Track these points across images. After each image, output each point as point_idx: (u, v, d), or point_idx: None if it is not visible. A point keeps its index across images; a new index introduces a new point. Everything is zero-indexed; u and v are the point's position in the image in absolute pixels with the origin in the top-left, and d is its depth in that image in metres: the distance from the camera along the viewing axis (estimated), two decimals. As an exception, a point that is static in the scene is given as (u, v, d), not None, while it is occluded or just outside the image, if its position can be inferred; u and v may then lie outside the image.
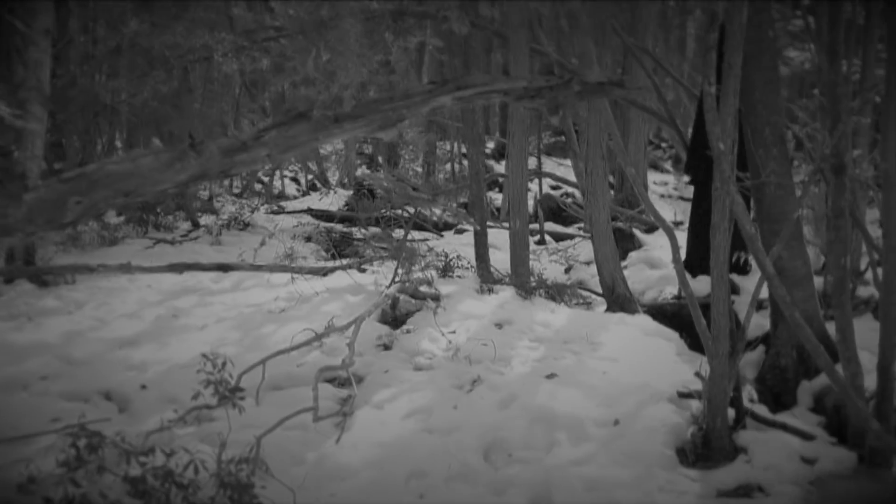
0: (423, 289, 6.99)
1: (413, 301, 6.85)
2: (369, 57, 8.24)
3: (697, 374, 5.29)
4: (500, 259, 9.17)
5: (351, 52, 7.69)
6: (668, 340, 6.74)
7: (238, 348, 6.20)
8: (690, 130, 8.90)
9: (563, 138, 23.91)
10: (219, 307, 7.27)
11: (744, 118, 6.73)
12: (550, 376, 5.77)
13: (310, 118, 4.13)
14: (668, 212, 17.18)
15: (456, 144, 19.33)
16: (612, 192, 16.31)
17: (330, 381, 5.68)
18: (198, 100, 14.40)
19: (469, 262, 8.31)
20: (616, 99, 9.40)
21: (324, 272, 7.78)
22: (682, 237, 10.13)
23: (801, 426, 5.43)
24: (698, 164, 8.42)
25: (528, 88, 4.72)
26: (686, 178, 8.46)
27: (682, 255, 9.35)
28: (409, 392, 5.55)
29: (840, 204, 5.23)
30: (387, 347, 6.29)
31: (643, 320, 7.04)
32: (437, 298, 6.92)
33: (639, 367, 6.00)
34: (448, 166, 19.93)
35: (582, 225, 14.62)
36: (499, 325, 6.64)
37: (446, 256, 7.78)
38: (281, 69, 10.34)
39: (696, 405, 5.37)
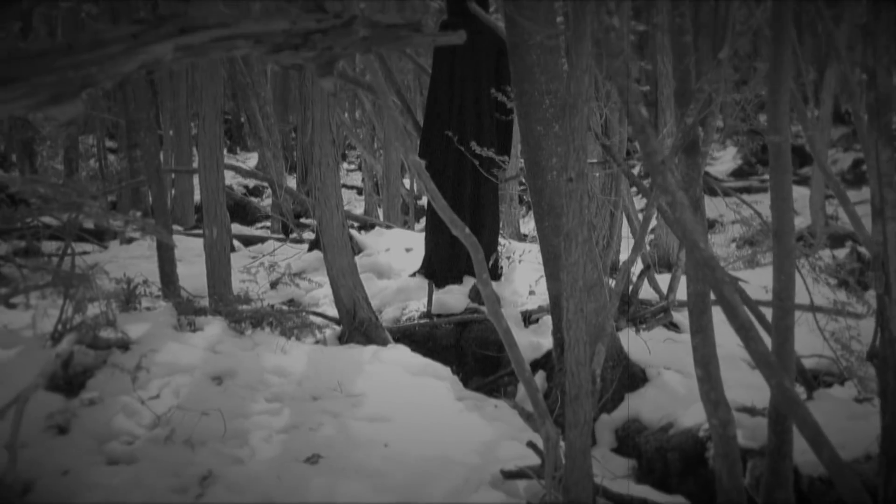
0: (106, 333, 5.00)
1: (92, 353, 4.84)
2: None
3: (531, 445, 3.79)
4: (187, 275, 7.27)
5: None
6: (439, 379, 5.19)
7: None
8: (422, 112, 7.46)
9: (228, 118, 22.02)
10: None
11: (513, 83, 5.30)
12: (313, 460, 3.99)
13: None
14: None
15: (101, 137, 16.96)
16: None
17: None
18: None
19: (156, 286, 6.34)
20: (415, 48, 7.71)
21: (-44, 313, 5.55)
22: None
23: (663, 500, 4.06)
24: (434, 150, 6.96)
25: (291, 33, 2.92)
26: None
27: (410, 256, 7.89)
28: (106, 506, 3.63)
29: (695, 194, 3.87)
30: (62, 430, 4.23)
31: (401, 354, 5.44)
32: (125, 346, 4.96)
33: (423, 429, 4.40)
34: (92, 162, 17.59)
35: (268, 224, 12.86)
36: (218, 380, 4.78)
37: (129, 282, 5.77)
38: None
39: (525, 487, 3.86)
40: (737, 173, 18.28)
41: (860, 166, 17.18)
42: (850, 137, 18.60)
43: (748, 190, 15.58)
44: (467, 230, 3.92)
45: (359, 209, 17.15)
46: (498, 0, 10.45)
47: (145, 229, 5.34)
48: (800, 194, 15.12)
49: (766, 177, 16.64)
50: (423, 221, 14.44)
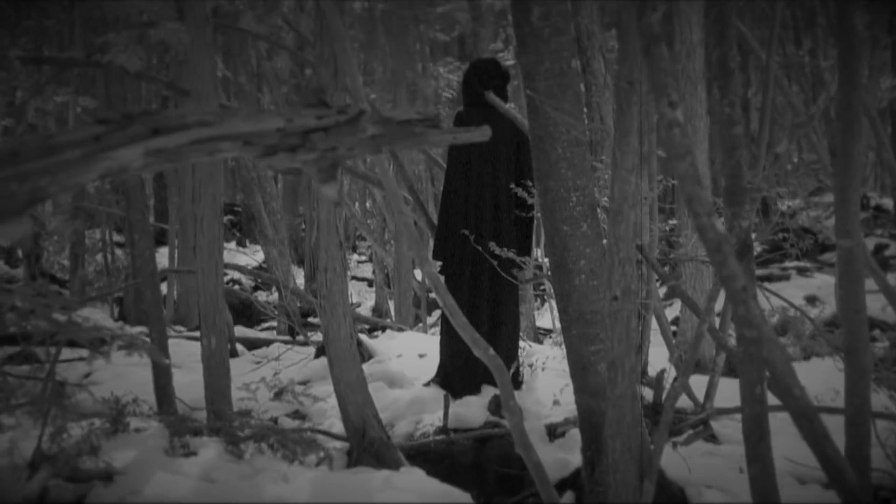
0: (87, 462, 4.50)
1: (72, 486, 4.34)
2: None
3: None
4: (186, 383, 6.80)
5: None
6: (460, 509, 4.65)
7: None
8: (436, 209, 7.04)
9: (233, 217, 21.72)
10: None
11: (536, 179, 4.86)
12: None
13: None
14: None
15: (108, 232, 16.64)
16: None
17: None
18: None
19: (148, 404, 5.85)
20: (429, 147, 7.27)
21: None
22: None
23: None
24: (450, 250, 6.52)
25: (287, 132, 2.42)
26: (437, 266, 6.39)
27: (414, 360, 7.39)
28: None
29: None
30: (30, 584, 3.74)
31: (416, 479, 4.88)
32: (109, 477, 4.45)
33: (444, 575, 3.88)
34: (99, 257, 17.30)
35: (274, 325, 12.39)
36: (211, 516, 4.27)
37: (117, 401, 5.29)
38: None
39: None
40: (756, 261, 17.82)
41: (882, 252, 16.78)
42: (871, 222, 18.23)
43: (769, 278, 15.05)
44: (491, 351, 3.43)
45: (369, 301, 16.71)
46: (518, 91, 10.09)
47: (134, 346, 4.85)
48: (823, 282, 14.66)
49: (788, 265, 16.19)
50: (434, 315, 13.97)
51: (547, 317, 11.85)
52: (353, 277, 21.41)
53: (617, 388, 2.98)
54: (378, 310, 15.45)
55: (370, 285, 18.72)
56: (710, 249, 1.97)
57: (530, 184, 6.22)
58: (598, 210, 4.94)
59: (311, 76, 10.89)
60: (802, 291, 13.80)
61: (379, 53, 15.12)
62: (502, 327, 6.48)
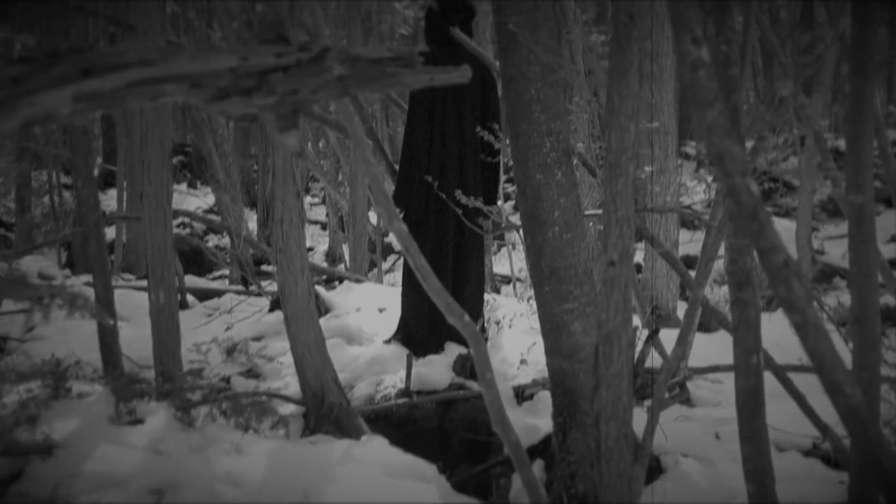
0: (24, 434, 4.14)
1: (6, 462, 3.99)
2: None
3: None
4: (134, 338, 6.42)
5: None
6: (424, 482, 4.31)
7: None
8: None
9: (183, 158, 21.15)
10: None
11: (508, 123, 4.49)
12: None
13: None
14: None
15: (54, 174, 16.08)
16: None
17: None
18: None
19: (92, 366, 5.48)
20: (403, 89, 6.88)
21: None
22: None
23: None
24: (412, 198, 6.17)
25: (241, 73, 2.02)
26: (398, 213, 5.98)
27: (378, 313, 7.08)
28: None
29: (746, 265, 3.04)
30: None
31: (378, 449, 4.55)
32: (48, 450, 4.10)
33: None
34: (46, 200, 16.74)
35: (226, 273, 11.96)
36: (158, 494, 3.92)
37: (58, 364, 4.93)
38: None
39: None
40: (712, 203, 17.58)
41: (839, 197, 16.63)
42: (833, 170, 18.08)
43: (730, 223, 14.94)
44: (466, 318, 3.09)
45: (323, 245, 16.31)
46: (477, 28, 9.64)
47: (76, 305, 4.44)
48: (783, 227, 14.51)
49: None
50: (390, 260, 13.61)
51: (505, 262, 11.55)
52: (308, 221, 20.96)
53: (612, 365, 2.66)
54: (332, 254, 15.05)
55: (324, 228, 18.30)
56: (744, 216, 1.65)
57: (497, 126, 5.88)
58: (573, 157, 4.61)
59: (263, 10, 10.40)
60: (763, 237, 13.64)
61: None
62: (467, 282, 6.16)
